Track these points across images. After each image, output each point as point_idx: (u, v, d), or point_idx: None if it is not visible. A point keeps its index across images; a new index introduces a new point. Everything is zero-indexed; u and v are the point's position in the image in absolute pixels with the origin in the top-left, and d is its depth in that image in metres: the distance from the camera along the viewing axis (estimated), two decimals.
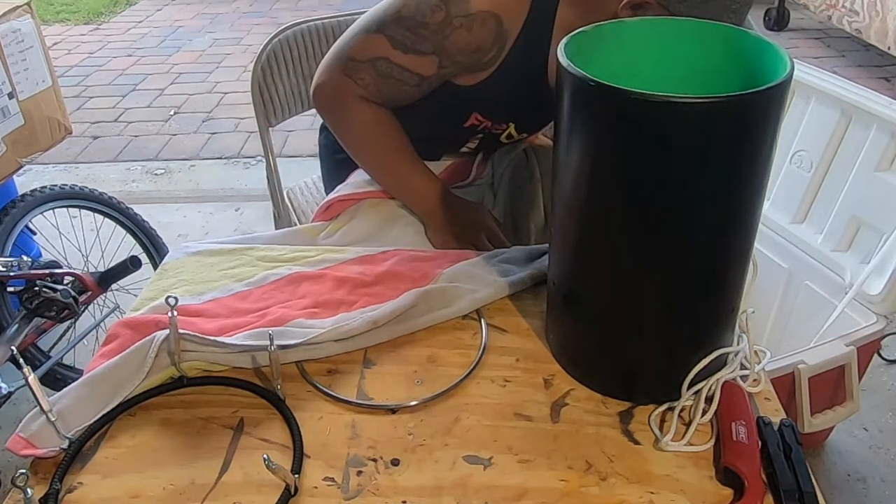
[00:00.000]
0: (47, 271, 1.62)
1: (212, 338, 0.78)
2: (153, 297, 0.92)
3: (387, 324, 0.84)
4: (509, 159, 1.20)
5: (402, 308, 0.84)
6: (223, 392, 0.78)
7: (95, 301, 1.75)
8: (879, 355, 1.59)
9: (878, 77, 3.57)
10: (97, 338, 1.82)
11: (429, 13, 0.98)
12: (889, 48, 3.21)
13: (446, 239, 1.10)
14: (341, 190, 1.18)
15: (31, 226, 1.83)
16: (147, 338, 0.77)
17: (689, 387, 0.74)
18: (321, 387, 0.78)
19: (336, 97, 1.09)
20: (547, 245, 0.98)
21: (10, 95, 1.77)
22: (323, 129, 1.33)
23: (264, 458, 0.60)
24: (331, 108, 1.11)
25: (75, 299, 1.58)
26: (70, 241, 1.98)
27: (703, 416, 0.73)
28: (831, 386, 1.36)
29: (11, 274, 1.59)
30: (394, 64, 1.02)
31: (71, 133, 2.02)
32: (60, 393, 0.74)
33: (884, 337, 1.41)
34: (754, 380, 0.77)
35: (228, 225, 2.57)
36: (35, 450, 0.69)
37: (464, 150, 1.21)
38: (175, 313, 0.74)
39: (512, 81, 1.05)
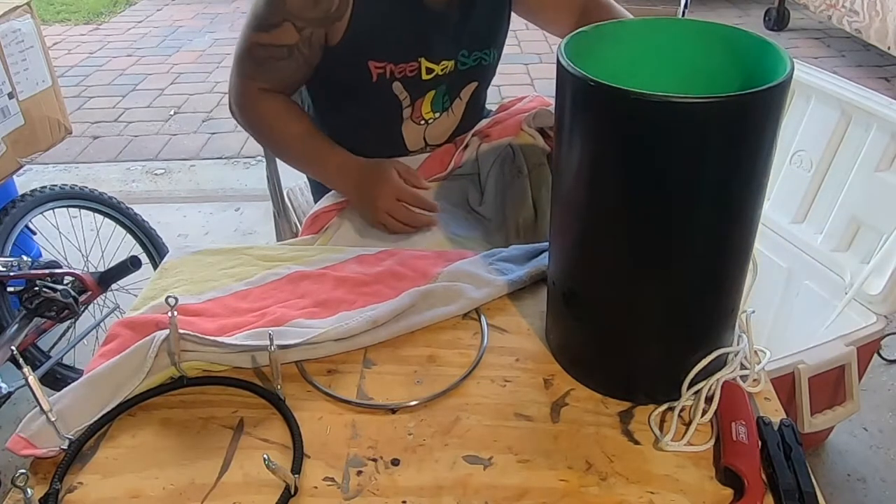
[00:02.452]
0: (47, 271, 1.62)
1: (212, 338, 0.78)
2: (153, 296, 0.92)
3: (386, 323, 0.84)
4: (495, 156, 1.20)
5: (401, 307, 0.84)
6: (223, 392, 0.78)
7: (95, 301, 1.75)
8: (879, 355, 1.59)
9: (878, 77, 3.57)
10: (97, 338, 1.82)
11: None
12: (889, 48, 3.21)
13: (366, 212, 1.11)
14: (323, 201, 1.19)
15: (31, 226, 1.83)
16: (147, 338, 0.77)
17: (689, 387, 0.74)
18: (321, 387, 0.78)
19: (239, 100, 1.17)
20: (545, 244, 0.98)
21: (10, 95, 1.76)
22: None
23: (264, 458, 0.60)
24: (240, 113, 1.18)
25: (75, 299, 1.58)
26: (70, 241, 1.98)
27: (703, 416, 0.73)
28: (831, 386, 1.36)
29: (11, 274, 1.59)
30: (262, 46, 1.10)
31: (71, 133, 2.02)
32: (60, 393, 0.74)
33: (884, 337, 1.41)
34: (754, 380, 0.77)
35: (228, 225, 2.57)
36: (35, 450, 0.69)
37: (406, 109, 1.20)
38: (175, 313, 0.74)
39: (374, 13, 1.08)
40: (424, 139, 1.24)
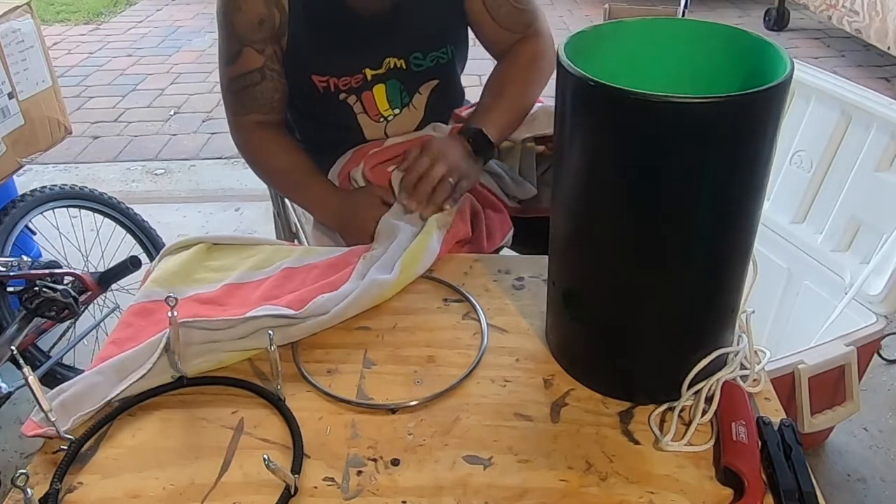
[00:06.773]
0: (47, 271, 1.62)
1: (219, 318, 0.79)
2: (165, 280, 0.92)
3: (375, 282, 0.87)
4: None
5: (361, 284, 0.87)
6: (223, 392, 0.78)
7: (95, 301, 1.75)
8: (879, 355, 1.59)
9: (878, 77, 3.57)
10: (97, 338, 1.82)
11: (220, 18, 1.11)
12: (889, 48, 3.21)
13: (351, 243, 1.12)
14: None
15: (31, 226, 1.83)
16: (154, 337, 0.78)
17: (689, 387, 0.74)
18: (321, 387, 0.78)
19: (236, 138, 1.20)
20: None
21: (10, 95, 1.77)
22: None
23: (264, 458, 0.60)
24: (239, 149, 1.21)
25: (75, 299, 1.58)
26: (70, 241, 1.98)
27: (703, 416, 0.73)
28: (831, 386, 1.35)
29: (11, 274, 1.59)
30: (234, 78, 1.14)
31: (71, 133, 2.02)
32: (64, 385, 0.75)
33: (884, 337, 1.41)
34: (754, 380, 0.77)
35: (228, 225, 2.57)
36: (39, 429, 0.70)
37: (356, 105, 1.19)
38: (175, 313, 0.74)
39: (311, 25, 1.11)
40: (386, 134, 1.23)
